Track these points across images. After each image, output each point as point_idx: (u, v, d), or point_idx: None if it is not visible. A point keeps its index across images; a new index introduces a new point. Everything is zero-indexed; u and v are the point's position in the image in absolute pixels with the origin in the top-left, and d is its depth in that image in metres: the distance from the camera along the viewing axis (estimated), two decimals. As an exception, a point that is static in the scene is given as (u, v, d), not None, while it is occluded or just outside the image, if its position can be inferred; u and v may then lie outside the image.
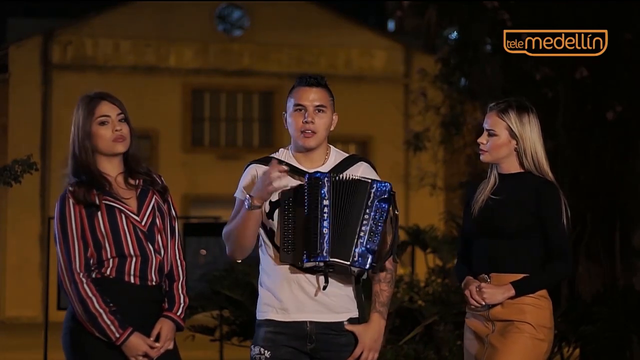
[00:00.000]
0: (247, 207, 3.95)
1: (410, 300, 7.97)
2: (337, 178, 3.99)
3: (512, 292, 4.31)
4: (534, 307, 4.32)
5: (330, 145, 4.20)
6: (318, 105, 4.07)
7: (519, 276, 4.33)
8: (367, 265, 3.99)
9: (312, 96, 4.07)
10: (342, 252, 3.96)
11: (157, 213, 4.10)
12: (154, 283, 4.07)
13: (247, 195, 3.96)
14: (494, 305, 4.34)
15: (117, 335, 3.92)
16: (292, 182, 3.98)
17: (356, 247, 3.97)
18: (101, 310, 3.92)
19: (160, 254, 4.07)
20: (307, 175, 3.99)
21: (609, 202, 9.72)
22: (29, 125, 24.02)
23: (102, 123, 4.06)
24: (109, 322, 3.92)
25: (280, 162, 4.07)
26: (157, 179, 4.21)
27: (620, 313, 8.12)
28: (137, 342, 3.95)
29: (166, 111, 24.51)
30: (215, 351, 10.75)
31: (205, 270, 10.65)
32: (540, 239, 4.36)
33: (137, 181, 4.13)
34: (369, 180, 4.02)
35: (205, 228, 12.07)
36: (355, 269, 4.00)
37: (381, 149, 25.20)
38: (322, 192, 3.94)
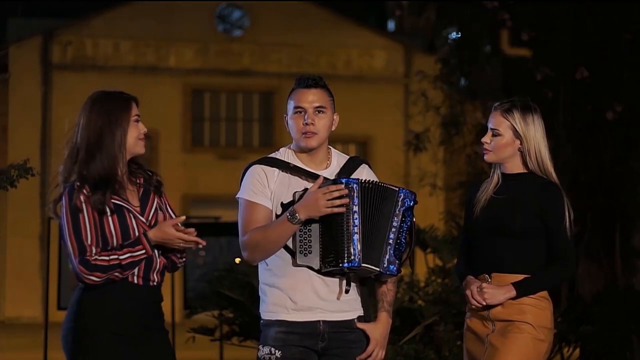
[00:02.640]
0: (290, 221, 3.94)
1: (410, 300, 7.97)
2: (365, 184, 4.00)
3: (514, 292, 4.30)
4: (535, 307, 4.32)
5: (331, 147, 4.21)
6: (317, 107, 4.08)
7: (520, 276, 4.33)
8: (395, 272, 4.04)
9: (311, 98, 4.08)
10: (372, 258, 3.99)
11: (159, 215, 4.10)
12: (155, 283, 4.07)
13: (291, 209, 3.94)
14: (494, 305, 4.34)
15: (143, 252, 3.95)
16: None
17: (385, 254, 4.01)
18: (116, 257, 3.92)
19: (164, 255, 4.08)
20: (333, 181, 4.00)
21: (609, 202, 9.72)
22: (29, 125, 24.02)
23: (137, 121, 4.07)
24: (128, 257, 3.93)
25: (295, 166, 4.08)
26: (150, 172, 4.20)
27: (620, 313, 8.12)
28: (154, 234, 3.97)
29: (166, 111, 24.51)
30: (215, 351, 10.75)
31: (205, 270, 10.65)
32: (543, 239, 4.35)
33: (139, 179, 4.13)
34: (396, 189, 4.05)
35: (205, 228, 12.05)
36: (383, 274, 4.03)
37: (381, 149, 25.20)
38: (353, 198, 3.95)
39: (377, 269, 4.00)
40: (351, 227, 3.94)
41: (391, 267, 4.01)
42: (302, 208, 3.93)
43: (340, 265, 3.94)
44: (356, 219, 3.95)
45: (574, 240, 4.44)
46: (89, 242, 3.93)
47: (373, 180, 4.04)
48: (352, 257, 3.93)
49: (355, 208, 3.95)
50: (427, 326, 7.74)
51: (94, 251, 3.92)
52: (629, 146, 9.86)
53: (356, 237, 3.94)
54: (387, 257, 4.01)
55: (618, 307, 8.16)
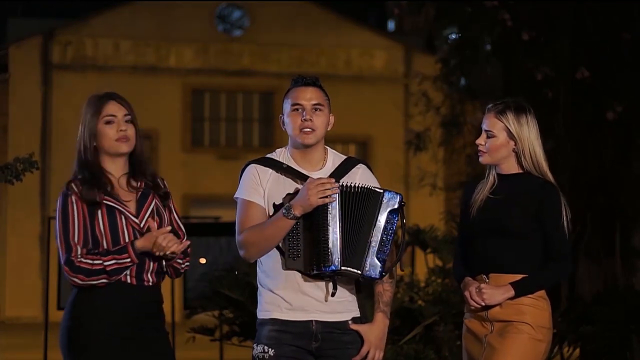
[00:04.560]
0: (285, 216, 3.95)
1: (410, 300, 7.97)
2: (347, 188, 4.01)
3: (512, 292, 4.30)
4: (533, 307, 4.32)
5: (328, 147, 4.22)
6: (315, 104, 4.09)
7: (518, 276, 4.33)
8: (378, 275, 4.02)
9: (309, 95, 4.09)
10: (353, 261, 3.99)
11: (155, 216, 4.10)
12: (150, 283, 4.07)
13: (287, 204, 3.97)
14: (492, 306, 4.34)
15: (129, 261, 3.96)
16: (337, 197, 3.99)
17: (367, 256, 4.01)
18: (100, 262, 3.94)
19: (166, 263, 4.09)
20: None
21: (609, 202, 9.72)
22: (29, 125, 24.02)
23: (108, 122, 4.08)
24: (113, 263, 3.95)
25: (288, 167, 4.10)
26: (160, 183, 4.21)
27: (620, 313, 8.12)
28: (142, 244, 3.98)
29: (166, 111, 24.51)
30: (216, 351, 10.75)
31: (205, 270, 10.64)
32: (540, 239, 4.36)
33: (139, 183, 4.13)
34: (381, 191, 4.05)
35: (205, 228, 12.05)
36: (366, 278, 4.03)
37: (381, 149, 25.21)
38: (331, 202, 3.96)
39: (359, 272, 4.00)
40: (331, 231, 3.95)
41: (373, 270, 4.01)
42: (297, 203, 3.96)
43: (322, 269, 3.96)
44: (336, 222, 3.96)
45: (572, 240, 4.45)
46: (76, 241, 3.96)
47: (355, 183, 4.04)
48: (332, 261, 3.95)
49: (335, 212, 3.97)
50: (427, 326, 7.74)
51: (79, 252, 3.95)
52: (629, 146, 9.86)
53: (336, 240, 3.95)
54: (369, 260, 4.00)
55: (618, 307, 8.16)
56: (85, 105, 4.11)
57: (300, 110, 4.08)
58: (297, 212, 3.95)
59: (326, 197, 3.93)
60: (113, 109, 4.09)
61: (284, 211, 3.96)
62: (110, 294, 3.98)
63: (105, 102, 4.09)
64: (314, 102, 4.08)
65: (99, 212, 4.00)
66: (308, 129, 4.07)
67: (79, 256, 3.94)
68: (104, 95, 4.12)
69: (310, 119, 4.06)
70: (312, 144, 4.09)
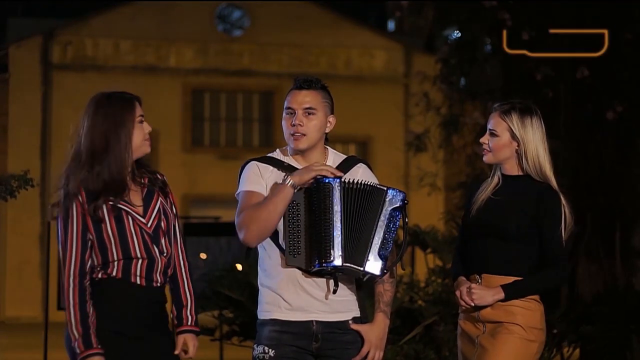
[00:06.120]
0: (284, 182, 3.94)
1: (410, 300, 7.98)
2: (350, 184, 4.00)
3: (502, 295, 4.30)
4: (524, 309, 4.32)
5: (328, 147, 4.21)
6: (307, 108, 4.08)
7: (510, 279, 4.32)
8: (379, 272, 4.02)
9: (301, 99, 4.08)
10: (355, 258, 3.99)
11: (162, 216, 4.07)
12: (158, 284, 4.05)
13: (285, 176, 3.98)
14: (484, 307, 4.34)
15: (78, 351, 3.90)
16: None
17: (369, 253, 4.01)
18: (78, 316, 3.91)
19: (165, 255, 4.06)
20: (316, 182, 4.00)
21: (609, 202, 9.72)
22: (29, 125, 24.02)
23: (141, 122, 4.03)
24: (76, 334, 3.90)
25: (289, 165, 4.10)
26: (154, 173, 4.18)
27: (620, 313, 8.13)
28: None
29: (166, 111, 24.51)
30: (215, 351, 10.76)
31: (205, 270, 10.65)
32: (536, 243, 4.35)
33: (143, 179, 4.10)
34: (384, 188, 4.05)
35: (205, 228, 12.05)
36: (367, 275, 4.02)
37: (381, 149, 25.20)
38: (333, 198, 3.96)
39: (360, 269, 3.99)
40: (333, 227, 3.95)
41: (375, 267, 4.00)
42: (295, 173, 3.98)
43: (323, 265, 3.95)
44: (338, 219, 3.96)
45: (573, 240, 4.44)
46: (73, 260, 3.92)
47: (358, 180, 4.03)
48: (334, 257, 3.94)
49: (337, 208, 3.96)
50: (427, 326, 7.75)
51: (76, 272, 3.92)
52: (629, 146, 9.87)
53: (338, 237, 3.95)
54: (371, 257, 4.00)
55: (618, 307, 8.17)
56: (104, 104, 3.98)
57: (292, 114, 4.09)
58: (295, 180, 3.94)
59: (325, 172, 3.95)
60: (141, 109, 4.06)
61: (280, 181, 3.97)
62: (118, 295, 3.97)
63: (136, 102, 4.04)
64: (305, 106, 4.07)
65: (106, 214, 3.95)
66: (298, 134, 4.07)
67: (71, 282, 3.91)
68: (130, 95, 4.05)
69: (300, 124, 4.06)
70: (303, 148, 4.09)
